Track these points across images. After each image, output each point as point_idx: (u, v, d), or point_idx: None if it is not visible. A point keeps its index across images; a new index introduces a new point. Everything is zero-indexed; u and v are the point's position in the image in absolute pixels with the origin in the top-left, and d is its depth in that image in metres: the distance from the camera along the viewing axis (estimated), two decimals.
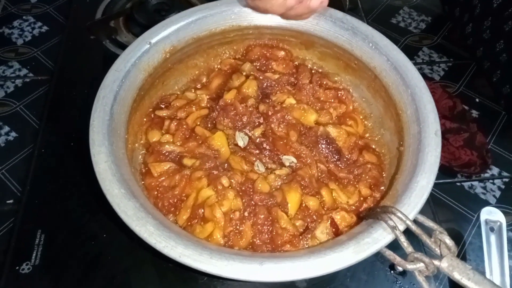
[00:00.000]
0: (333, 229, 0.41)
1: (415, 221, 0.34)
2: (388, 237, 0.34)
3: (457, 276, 0.31)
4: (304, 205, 0.42)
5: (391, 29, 0.84)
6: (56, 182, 0.54)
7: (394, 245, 0.34)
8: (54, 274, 0.46)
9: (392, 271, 0.47)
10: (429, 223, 0.34)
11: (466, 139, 0.66)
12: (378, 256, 0.48)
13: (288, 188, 0.43)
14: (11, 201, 0.58)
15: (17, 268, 0.46)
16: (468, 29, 0.78)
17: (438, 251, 0.32)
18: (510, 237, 0.59)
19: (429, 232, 0.34)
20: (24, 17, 0.83)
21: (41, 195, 0.52)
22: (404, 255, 0.34)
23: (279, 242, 0.39)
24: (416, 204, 0.36)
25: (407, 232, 0.34)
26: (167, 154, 0.45)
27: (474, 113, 0.72)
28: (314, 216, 0.42)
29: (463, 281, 0.30)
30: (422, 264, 0.32)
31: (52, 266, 0.47)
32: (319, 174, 0.45)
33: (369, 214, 0.37)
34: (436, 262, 0.32)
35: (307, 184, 0.43)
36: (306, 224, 0.42)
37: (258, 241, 0.40)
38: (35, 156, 0.56)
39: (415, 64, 0.78)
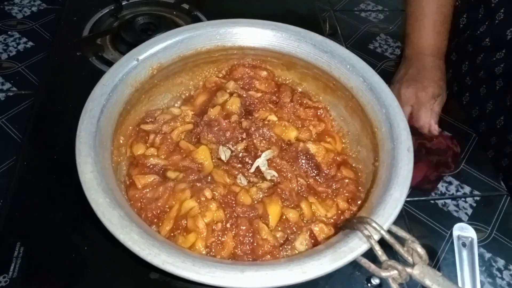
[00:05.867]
0: (312, 241, 0.43)
1: (389, 232, 0.36)
2: (363, 246, 0.36)
3: (428, 282, 0.32)
4: (284, 217, 0.44)
5: (368, 54, 0.88)
6: (37, 195, 0.53)
7: (372, 259, 0.36)
8: (33, 286, 0.46)
9: (368, 284, 0.49)
10: (402, 233, 0.36)
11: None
12: (355, 268, 0.50)
13: (269, 200, 0.44)
14: None
15: None
16: None
17: (411, 259, 0.34)
18: (481, 253, 0.61)
19: (402, 241, 0.35)
20: (9, 32, 0.83)
21: (22, 207, 0.52)
22: (379, 264, 0.35)
23: (260, 253, 0.41)
24: (390, 215, 0.38)
25: (382, 242, 0.36)
26: (151, 166, 0.46)
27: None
28: (294, 228, 0.43)
29: (434, 287, 0.32)
30: (395, 272, 0.33)
31: (31, 279, 0.46)
32: (299, 188, 0.47)
33: (346, 225, 0.39)
34: (408, 270, 0.33)
35: (287, 197, 0.45)
36: (286, 235, 0.43)
37: (240, 251, 0.41)
38: (17, 169, 0.56)
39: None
